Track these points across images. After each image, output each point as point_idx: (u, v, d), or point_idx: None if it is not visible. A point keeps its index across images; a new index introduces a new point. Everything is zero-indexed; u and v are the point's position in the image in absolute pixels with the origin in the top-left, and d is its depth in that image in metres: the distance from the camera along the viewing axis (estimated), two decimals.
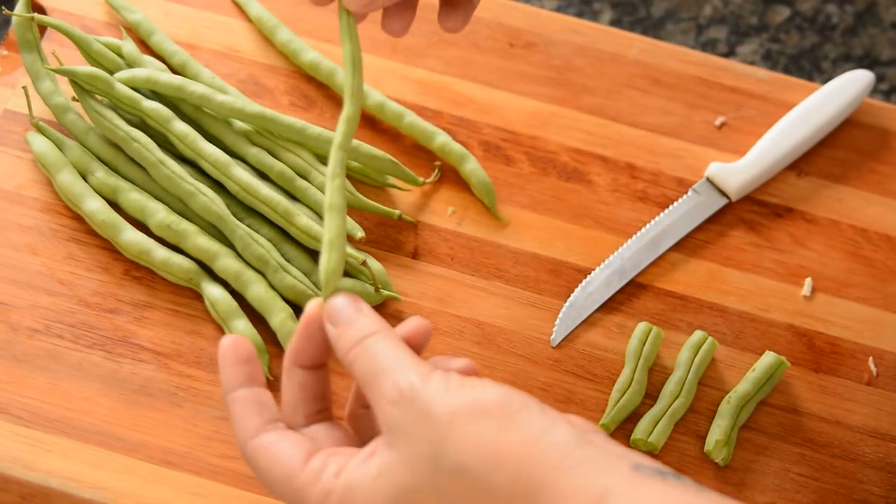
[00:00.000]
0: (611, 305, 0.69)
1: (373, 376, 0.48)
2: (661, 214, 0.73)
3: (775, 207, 0.74)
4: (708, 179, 0.74)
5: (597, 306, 0.69)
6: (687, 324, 0.69)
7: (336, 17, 0.78)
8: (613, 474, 0.46)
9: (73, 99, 0.70)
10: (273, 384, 0.64)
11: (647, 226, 0.72)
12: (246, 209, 0.68)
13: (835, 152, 0.77)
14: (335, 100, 0.75)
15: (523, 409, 0.48)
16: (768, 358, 0.67)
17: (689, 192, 0.74)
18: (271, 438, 0.49)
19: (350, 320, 0.50)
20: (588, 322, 0.69)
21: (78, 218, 0.68)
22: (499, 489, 0.46)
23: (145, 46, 0.74)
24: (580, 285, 0.69)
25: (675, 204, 0.73)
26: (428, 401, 0.47)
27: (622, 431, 0.65)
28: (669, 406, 0.65)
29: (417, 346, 0.52)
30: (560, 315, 0.68)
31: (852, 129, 0.78)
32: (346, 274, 0.68)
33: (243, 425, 0.49)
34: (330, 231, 0.50)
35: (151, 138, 0.68)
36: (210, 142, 0.69)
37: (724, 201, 0.74)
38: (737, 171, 0.74)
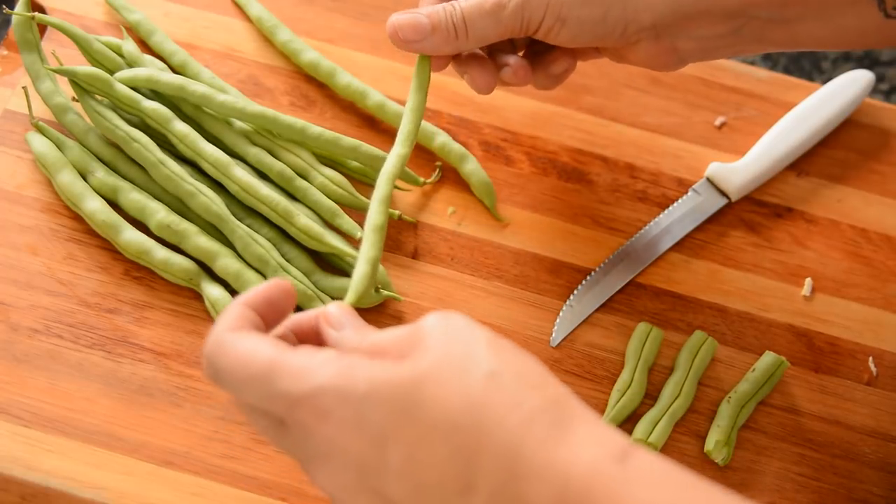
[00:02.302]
0: (611, 305, 0.69)
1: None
2: (661, 214, 0.73)
3: (775, 207, 0.74)
4: (708, 179, 0.74)
5: (597, 306, 0.69)
6: (687, 324, 0.69)
7: (336, 19, 0.78)
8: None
9: (73, 99, 0.70)
10: None
11: (647, 226, 0.72)
12: (246, 209, 0.68)
13: (835, 152, 0.77)
14: (335, 100, 0.75)
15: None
16: (768, 358, 0.67)
17: (689, 192, 0.74)
18: (252, 336, 0.47)
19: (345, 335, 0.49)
20: (588, 322, 0.69)
21: (78, 218, 0.68)
22: (529, 405, 0.45)
23: (145, 46, 0.74)
24: (580, 285, 0.69)
25: (675, 204, 0.73)
26: (468, 323, 0.48)
27: (622, 431, 0.65)
28: (669, 406, 0.65)
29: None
30: (560, 315, 0.68)
31: (852, 129, 0.78)
32: (346, 274, 0.68)
33: (227, 317, 0.47)
34: (373, 249, 0.56)
35: (151, 138, 0.68)
36: (210, 142, 0.69)
37: (724, 201, 0.74)
38: (737, 171, 0.74)
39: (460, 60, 0.65)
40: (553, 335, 0.68)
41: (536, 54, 0.66)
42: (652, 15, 0.61)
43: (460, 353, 0.45)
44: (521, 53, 0.66)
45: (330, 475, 0.46)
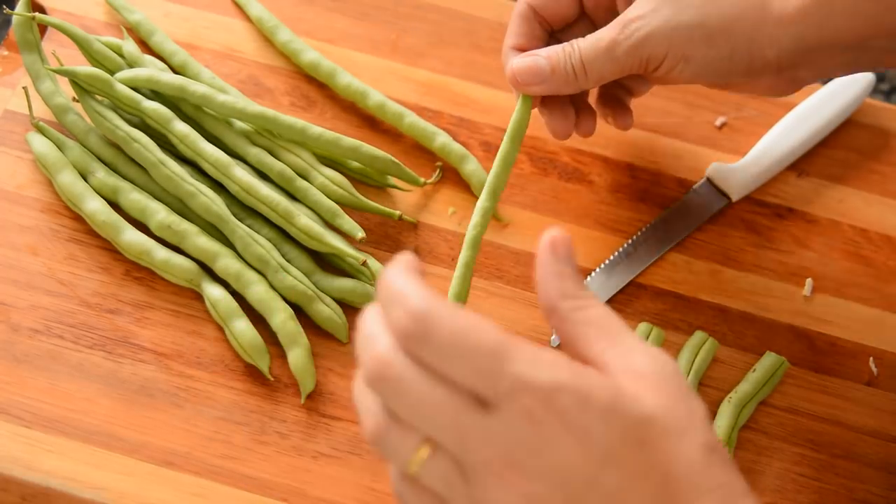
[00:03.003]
0: (611, 306, 0.69)
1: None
2: (662, 215, 0.73)
3: (776, 208, 0.74)
4: (708, 179, 0.74)
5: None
6: (687, 324, 0.69)
7: (336, 19, 0.78)
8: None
9: (74, 99, 0.70)
10: (274, 384, 0.64)
11: (648, 226, 0.72)
12: (246, 209, 0.68)
13: (835, 152, 0.77)
14: (335, 100, 0.75)
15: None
16: (769, 358, 0.67)
17: (690, 193, 0.74)
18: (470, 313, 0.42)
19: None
20: None
21: (78, 218, 0.68)
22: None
23: (145, 46, 0.74)
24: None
25: (676, 204, 0.73)
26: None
27: None
28: None
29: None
30: None
31: (852, 129, 0.78)
32: (347, 274, 0.68)
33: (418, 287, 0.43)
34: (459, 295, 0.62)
35: (152, 138, 0.68)
36: (210, 142, 0.69)
37: (724, 201, 0.74)
38: (737, 171, 0.74)
39: (546, 102, 0.66)
40: (553, 335, 0.68)
41: (612, 90, 0.68)
42: (777, 51, 0.61)
43: (685, 412, 0.44)
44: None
45: (525, 474, 0.42)
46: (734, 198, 0.73)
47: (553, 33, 0.67)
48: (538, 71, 0.63)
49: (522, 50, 0.65)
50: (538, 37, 0.66)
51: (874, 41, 0.61)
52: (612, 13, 0.65)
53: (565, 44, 0.63)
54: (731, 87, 0.65)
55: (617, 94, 0.69)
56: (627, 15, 0.61)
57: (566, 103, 0.66)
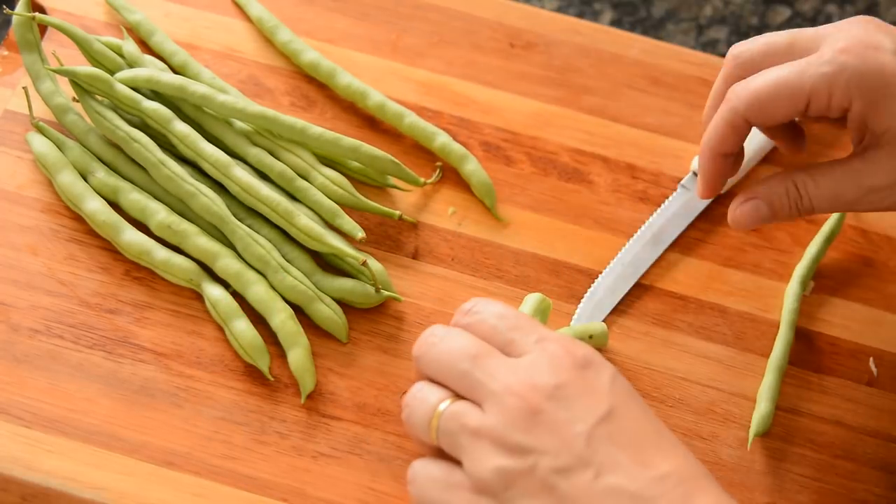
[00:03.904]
0: (617, 308, 0.69)
1: None
2: (655, 214, 0.73)
3: None
4: (694, 174, 0.74)
5: (606, 314, 0.69)
6: (688, 324, 0.69)
7: (336, 19, 0.78)
8: None
9: (74, 99, 0.70)
10: (274, 384, 0.64)
11: (643, 226, 0.72)
12: (246, 210, 0.68)
13: (835, 152, 0.77)
14: (335, 100, 0.75)
15: None
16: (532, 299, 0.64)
17: (678, 189, 0.74)
18: None
19: None
20: None
21: (78, 218, 0.68)
22: None
23: (146, 47, 0.74)
24: (586, 294, 0.69)
25: (667, 202, 0.73)
26: None
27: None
28: None
29: None
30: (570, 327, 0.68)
31: None
32: (346, 274, 0.68)
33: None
34: None
35: (152, 139, 0.68)
36: (210, 142, 0.69)
37: None
38: None
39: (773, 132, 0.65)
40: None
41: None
42: None
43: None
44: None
45: (538, 390, 0.52)
46: (722, 189, 0.73)
47: None
48: (758, 218, 0.61)
49: (727, 155, 0.62)
50: (743, 137, 0.62)
51: None
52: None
53: (789, 184, 0.60)
54: None
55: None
56: (868, 183, 0.59)
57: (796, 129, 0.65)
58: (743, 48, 0.61)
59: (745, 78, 0.60)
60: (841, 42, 0.58)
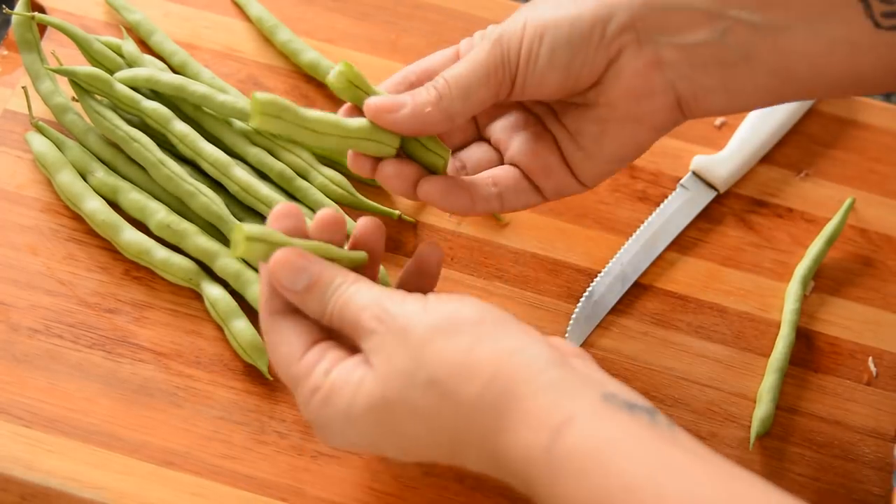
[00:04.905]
0: (616, 307, 0.69)
1: (354, 317, 0.51)
2: (654, 213, 0.72)
3: (775, 207, 0.74)
4: (694, 173, 0.74)
5: (604, 314, 0.69)
6: (687, 324, 0.69)
7: (336, 19, 0.78)
8: (581, 401, 0.47)
9: (73, 99, 0.70)
10: (273, 384, 0.64)
11: (643, 226, 0.72)
12: (246, 209, 0.68)
13: (835, 153, 0.77)
14: (335, 100, 0.75)
15: (500, 325, 0.50)
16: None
17: (678, 188, 0.74)
18: (284, 321, 0.53)
19: (312, 281, 0.52)
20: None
21: (78, 218, 0.68)
22: (466, 401, 0.48)
23: (145, 46, 0.74)
24: (584, 295, 0.69)
25: (666, 202, 0.73)
26: (405, 321, 0.50)
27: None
28: None
29: (373, 245, 0.56)
30: (568, 331, 0.68)
31: (853, 129, 0.78)
32: None
33: (267, 298, 0.54)
34: None
35: (151, 138, 0.68)
36: (210, 142, 0.69)
37: (713, 193, 0.73)
38: (721, 162, 0.73)
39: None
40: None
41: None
42: (629, 11, 0.56)
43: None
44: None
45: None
46: (722, 189, 0.73)
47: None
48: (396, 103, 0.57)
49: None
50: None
51: (734, 8, 0.56)
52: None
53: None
54: (587, 94, 0.58)
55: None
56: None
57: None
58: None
59: None
60: None
